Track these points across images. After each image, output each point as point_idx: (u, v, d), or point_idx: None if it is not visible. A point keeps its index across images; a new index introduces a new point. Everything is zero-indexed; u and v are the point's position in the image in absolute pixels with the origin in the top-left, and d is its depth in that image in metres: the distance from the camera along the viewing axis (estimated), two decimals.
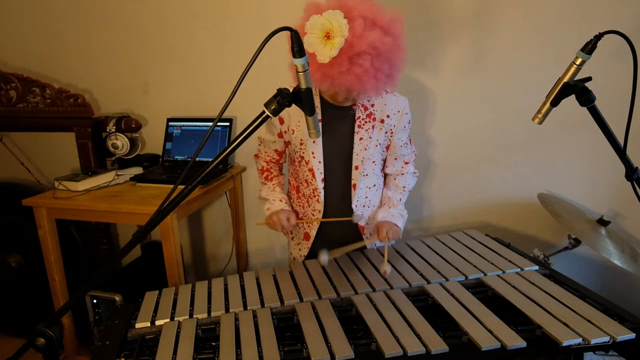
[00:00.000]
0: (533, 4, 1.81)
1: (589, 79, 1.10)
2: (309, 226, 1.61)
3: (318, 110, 1.47)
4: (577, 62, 1.10)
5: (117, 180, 2.04)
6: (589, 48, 1.07)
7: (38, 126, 2.31)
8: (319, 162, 1.50)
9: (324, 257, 1.38)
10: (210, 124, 2.18)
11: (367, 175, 1.54)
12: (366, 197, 1.57)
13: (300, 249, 1.66)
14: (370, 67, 1.23)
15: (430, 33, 1.91)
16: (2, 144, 2.47)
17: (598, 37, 1.06)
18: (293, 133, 1.50)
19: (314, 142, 1.47)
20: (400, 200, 1.59)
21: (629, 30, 1.07)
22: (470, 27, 1.89)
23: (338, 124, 1.49)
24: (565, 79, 1.12)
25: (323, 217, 1.56)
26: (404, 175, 1.62)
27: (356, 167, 1.51)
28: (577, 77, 1.11)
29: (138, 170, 2.16)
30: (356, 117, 1.48)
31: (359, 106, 1.47)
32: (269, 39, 0.90)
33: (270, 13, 2.04)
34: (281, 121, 1.52)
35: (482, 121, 1.98)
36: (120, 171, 2.12)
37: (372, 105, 1.48)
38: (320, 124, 1.46)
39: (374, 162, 1.54)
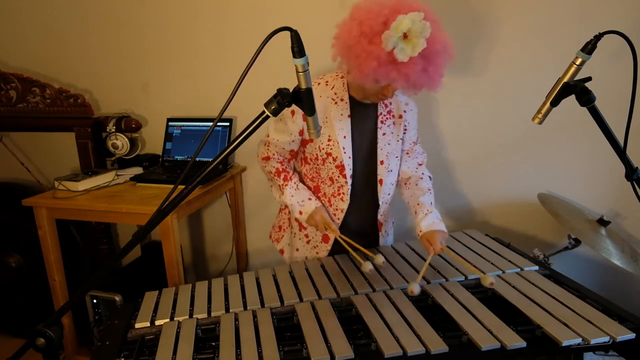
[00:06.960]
0: (533, 5, 1.81)
1: (589, 79, 1.10)
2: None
3: (347, 106, 1.47)
4: (577, 62, 1.10)
5: (117, 180, 2.04)
6: (589, 48, 1.08)
7: (38, 126, 2.31)
8: (349, 157, 1.49)
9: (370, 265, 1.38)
10: (210, 124, 2.18)
11: (391, 171, 1.57)
12: (389, 194, 1.60)
13: (318, 252, 1.64)
14: (442, 66, 1.26)
15: None
16: (2, 144, 2.47)
17: (598, 37, 1.06)
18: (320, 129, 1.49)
19: (344, 137, 1.47)
20: (431, 203, 1.54)
21: (629, 30, 1.07)
22: (470, 28, 1.89)
23: (364, 121, 1.51)
24: (565, 79, 1.12)
25: (346, 214, 1.55)
26: (423, 178, 1.60)
27: (381, 162, 1.53)
28: (577, 77, 1.11)
29: (138, 170, 2.16)
30: (378, 113, 1.51)
31: (380, 103, 1.51)
32: (269, 39, 0.91)
33: (270, 13, 2.04)
34: (304, 118, 1.49)
35: (482, 121, 1.98)
36: (120, 171, 2.11)
37: (391, 103, 1.53)
38: (349, 119, 1.48)
39: (397, 157, 1.58)
